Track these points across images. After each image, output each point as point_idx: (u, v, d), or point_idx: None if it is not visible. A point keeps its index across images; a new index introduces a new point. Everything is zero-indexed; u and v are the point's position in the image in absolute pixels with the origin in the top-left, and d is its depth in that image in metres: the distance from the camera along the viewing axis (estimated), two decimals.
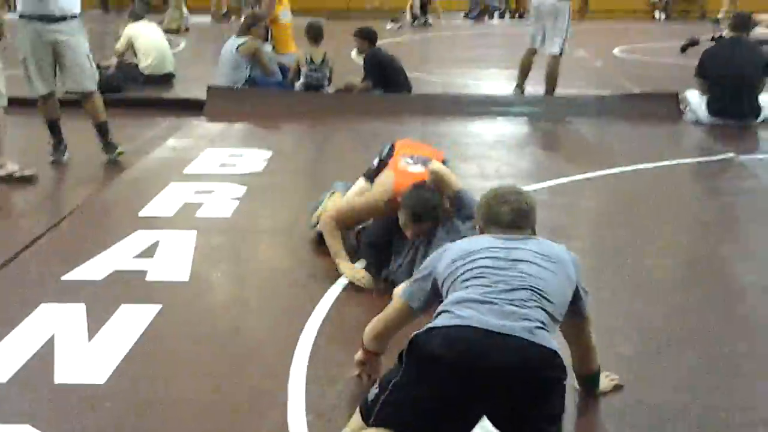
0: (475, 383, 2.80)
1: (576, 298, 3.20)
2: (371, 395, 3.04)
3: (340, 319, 4.47)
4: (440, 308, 3.06)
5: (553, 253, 3.19)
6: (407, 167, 4.92)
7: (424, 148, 5.28)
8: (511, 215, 3.33)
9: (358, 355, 3.64)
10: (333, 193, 5.45)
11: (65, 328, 4.22)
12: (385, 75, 10.24)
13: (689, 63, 12.40)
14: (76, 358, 3.94)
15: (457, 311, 2.94)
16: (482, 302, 2.95)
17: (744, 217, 6.55)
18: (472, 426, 2.91)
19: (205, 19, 21.64)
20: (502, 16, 23.39)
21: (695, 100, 9.46)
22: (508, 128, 9.42)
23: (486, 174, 7.21)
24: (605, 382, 3.62)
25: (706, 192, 7.12)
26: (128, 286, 4.81)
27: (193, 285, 4.90)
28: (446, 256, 3.26)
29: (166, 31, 14.88)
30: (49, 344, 4.06)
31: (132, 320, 4.34)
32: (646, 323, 4.42)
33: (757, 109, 9.23)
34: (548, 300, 3.01)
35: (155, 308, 4.48)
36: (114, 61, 11.49)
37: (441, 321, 2.96)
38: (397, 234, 4.79)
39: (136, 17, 11.90)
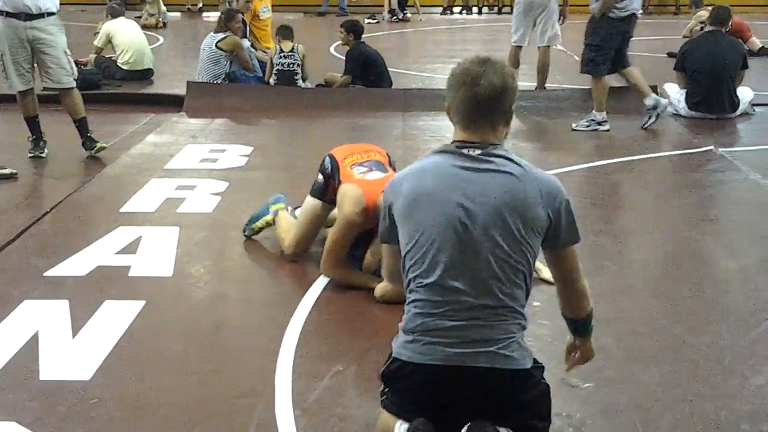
0: (454, 399, 2.86)
1: (551, 229, 2.91)
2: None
3: (324, 313, 4.47)
4: (406, 317, 2.92)
5: (515, 201, 2.82)
6: (364, 176, 4.81)
7: (368, 151, 5.11)
8: (472, 106, 2.87)
9: None
10: (276, 207, 5.40)
11: (49, 325, 4.20)
12: (367, 69, 10.24)
13: (666, 57, 12.51)
14: (60, 355, 3.92)
15: (420, 340, 2.84)
16: (447, 329, 2.81)
17: (724, 209, 6.60)
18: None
19: (181, 15, 21.56)
20: (480, 11, 23.40)
21: (674, 93, 9.51)
22: None
23: None
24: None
25: (685, 185, 7.16)
26: (111, 282, 4.79)
27: (176, 280, 4.89)
28: (397, 202, 2.96)
29: (144, 27, 14.85)
30: (33, 341, 4.04)
31: (116, 316, 4.33)
32: (629, 315, 4.45)
33: (736, 103, 9.30)
34: (516, 268, 2.82)
35: (139, 304, 4.47)
36: (92, 57, 11.43)
37: (405, 350, 2.88)
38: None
39: (115, 14, 11.85)
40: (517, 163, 2.89)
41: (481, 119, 2.88)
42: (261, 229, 5.41)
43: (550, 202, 2.89)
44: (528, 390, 2.87)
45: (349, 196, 4.68)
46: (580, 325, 3.13)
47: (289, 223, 5.23)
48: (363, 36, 10.50)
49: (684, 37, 13.31)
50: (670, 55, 13.93)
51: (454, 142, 2.94)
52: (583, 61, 8.81)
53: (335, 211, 4.98)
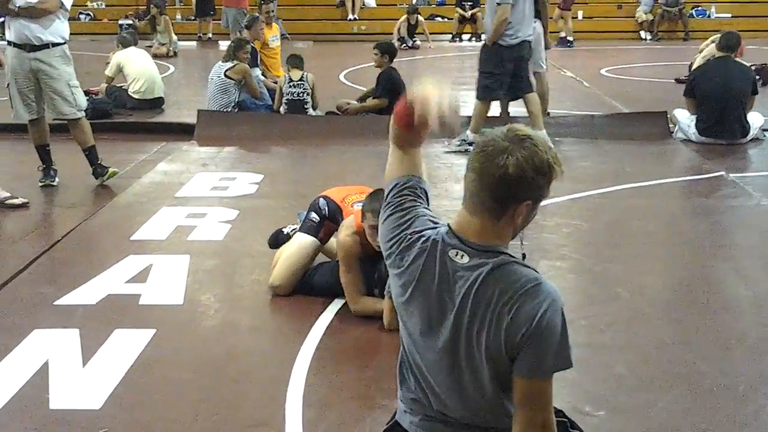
0: None
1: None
2: None
3: (335, 342, 4.45)
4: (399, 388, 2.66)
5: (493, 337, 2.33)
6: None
7: (362, 192, 5.06)
8: (474, 189, 2.37)
9: None
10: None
11: (59, 354, 4.20)
12: (394, 96, 10.21)
13: (674, 83, 12.51)
14: (70, 384, 3.92)
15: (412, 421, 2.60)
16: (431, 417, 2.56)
17: (735, 235, 6.57)
18: None
19: (193, 44, 21.69)
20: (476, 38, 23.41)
21: (684, 119, 9.51)
22: None
23: None
24: None
25: (697, 211, 7.14)
26: (122, 311, 4.79)
27: (187, 309, 4.88)
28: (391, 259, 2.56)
29: (155, 57, 14.94)
30: (44, 370, 4.03)
31: (126, 345, 4.32)
32: (641, 342, 4.42)
33: (746, 128, 9.28)
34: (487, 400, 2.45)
35: (149, 333, 4.46)
36: (104, 86, 11.50)
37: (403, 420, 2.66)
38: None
39: (126, 43, 11.92)
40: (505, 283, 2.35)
41: (480, 204, 2.37)
42: None
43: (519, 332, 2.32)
44: None
45: (343, 226, 4.75)
46: None
47: (278, 256, 5.21)
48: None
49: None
50: (678, 81, 13.96)
51: (449, 229, 2.47)
52: (478, 87, 9.01)
53: (333, 241, 5.07)
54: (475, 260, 2.37)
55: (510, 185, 2.30)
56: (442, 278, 2.41)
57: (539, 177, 2.32)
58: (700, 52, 12.96)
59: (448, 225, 2.48)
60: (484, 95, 8.90)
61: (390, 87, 10.07)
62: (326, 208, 5.05)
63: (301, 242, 5.07)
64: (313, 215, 5.07)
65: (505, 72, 8.74)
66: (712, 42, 11.64)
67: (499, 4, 8.47)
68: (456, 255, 2.40)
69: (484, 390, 2.42)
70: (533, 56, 9.82)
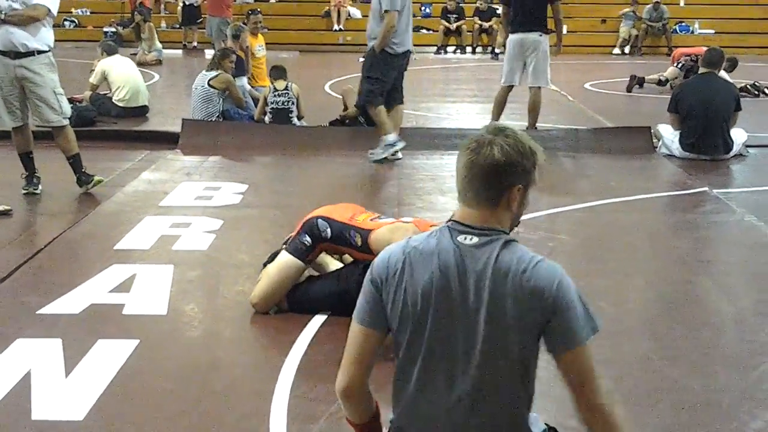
0: None
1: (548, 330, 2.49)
2: None
3: (319, 353, 4.43)
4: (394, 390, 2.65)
5: (510, 307, 2.46)
6: (400, 220, 4.89)
7: (359, 209, 5.03)
8: (470, 182, 2.53)
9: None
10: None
11: (42, 364, 4.17)
12: None
13: (660, 98, 12.58)
14: (53, 394, 3.89)
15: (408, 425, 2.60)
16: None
17: (719, 250, 6.61)
18: None
19: (178, 52, 21.65)
20: (474, 51, 23.48)
21: (668, 134, 9.55)
22: None
23: None
24: None
25: (680, 226, 7.17)
26: (105, 321, 4.77)
27: (170, 319, 4.86)
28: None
29: (140, 64, 14.90)
30: (26, 380, 4.00)
31: (110, 355, 4.29)
32: (625, 358, 4.43)
33: (729, 144, 9.33)
34: (509, 369, 2.50)
35: (133, 343, 4.44)
36: (88, 94, 11.45)
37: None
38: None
39: (110, 51, 11.88)
40: (520, 253, 2.53)
41: (475, 195, 2.53)
42: None
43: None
44: None
45: (399, 229, 4.65)
46: None
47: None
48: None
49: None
50: (633, 78, 14.31)
51: (452, 220, 2.59)
52: (362, 92, 9.28)
53: (327, 258, 5.04)
54: (484, 239, 2.52)
55: (500, 171, 2.49)
56: (458, 262, 2.50)
57: (525, 161, 2.52)
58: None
59: (450, 219, 2.60)
60: (369, 100, 9.14)
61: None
62: (328, 230, 4.83)
63: (284, 264, 4.92)
64: (306, 238, 4.86)
65: (389, 78, 9.05)
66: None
67: (387, 11, 8.72)
68: (465, 239, 2.53)
69: (505, 362, 2.49)
70: (539, 71, 9.86)
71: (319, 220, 4.87)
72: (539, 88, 10.05)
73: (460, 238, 2.53)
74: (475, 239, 2.52)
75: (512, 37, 10.06)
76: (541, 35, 9.85)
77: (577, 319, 2.48)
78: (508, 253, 2.51)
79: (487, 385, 2.51)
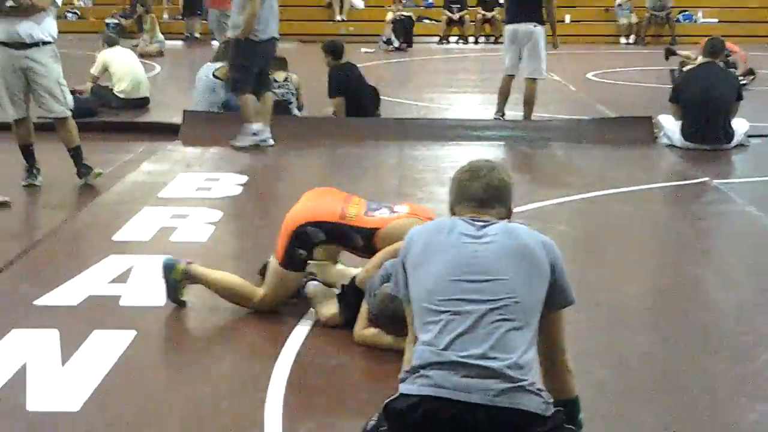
0: None
1: (550, 290, 3.04)
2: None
3: (317, 343, 4.42)
4: (415, 356, 2.90)
5: (523, 247, 2.99)
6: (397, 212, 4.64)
7: (341, 196, 4.78)
8: (482, 192, 3.16)
9: None
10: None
11: (38, 354, 4.16)
12: (347, 93, 10.18)
13: (662, 87, 12.55)
14: (49, 385, 3.88)
15: (427, 375, 2.80)
16: (454, 364, 2.79)
17: (720, 241, 6.59)
18: None
19: (180, 43, 21.62)
20: (476, 41, 23.43)
21: (669, 124, 9.52)
22: (484, 152, 9.43)
23: None
24: None
25: (680, 216, 7.15)
26: (102, 312, 4.76)
27: (168, 310, 4.84)
28: (412, 250, 3.10)
29: (141, 56, 14.88)
30: (22, 371, 3.99)
31: (106, 346, 4.28)
32: (623, 349, 4.42)
33: (731, 134, 9.30)
34: (523, 311, 2.90)
35: (130, 334, 4.42)
36: (89, 85, 11.44)
37: (413, 387, 2.81)
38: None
39: (111, 42, 11.86)
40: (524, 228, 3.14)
41: (488, 204, 3.16)
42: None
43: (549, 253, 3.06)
44: None
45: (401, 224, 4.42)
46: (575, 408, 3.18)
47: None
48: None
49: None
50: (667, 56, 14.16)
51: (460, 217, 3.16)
52: (231, 80, 9.38)
53: (342, 267, 4.92)
54: (492, 219, 3.11)
55: (504, 191, 3.21)
56: (467, 234, 3.04)
57: (509, 180, 3.27)
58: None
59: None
60: (235, 88, 9.22)
61: (337, 87, 10.19)
62: (320, 235, 4.56)
63: (287, 276, 4.69)
64: (300, 251, 4.59)
65: (255, 65, 9.07)
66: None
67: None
68: (471, 222, 3.08)
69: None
70: (532, 63, 9.82)
71: (309, 228, 4.55)
72: (534, 79, 10.02)
73: (466, 221, 3.11)
74: (482, 223, 3.07)
75: (507, 27, 10.11)
76: (535, 26, 9.81)
77: (567, 283, 3.16)
78: (514, 226, 3.12)
79: None
